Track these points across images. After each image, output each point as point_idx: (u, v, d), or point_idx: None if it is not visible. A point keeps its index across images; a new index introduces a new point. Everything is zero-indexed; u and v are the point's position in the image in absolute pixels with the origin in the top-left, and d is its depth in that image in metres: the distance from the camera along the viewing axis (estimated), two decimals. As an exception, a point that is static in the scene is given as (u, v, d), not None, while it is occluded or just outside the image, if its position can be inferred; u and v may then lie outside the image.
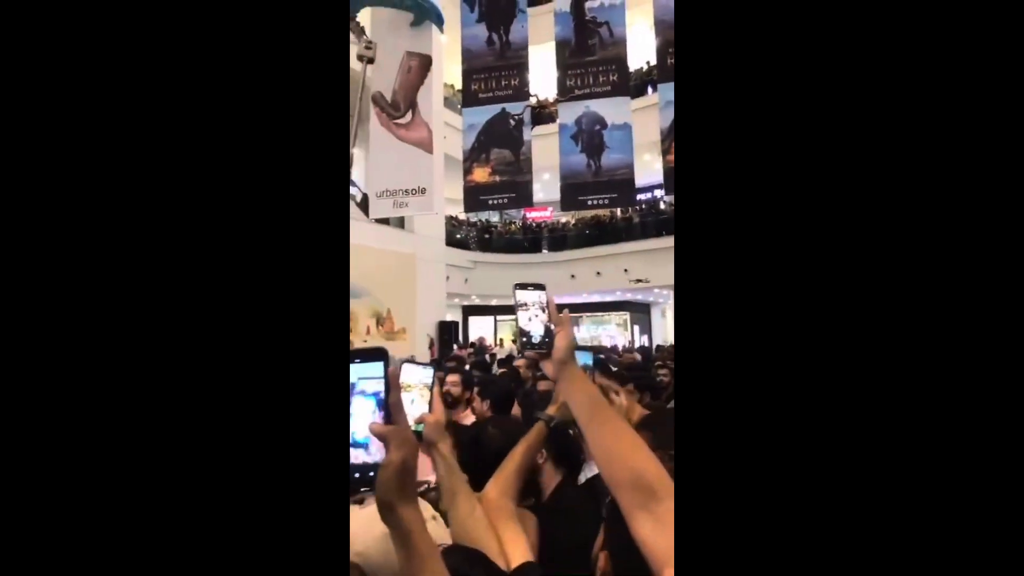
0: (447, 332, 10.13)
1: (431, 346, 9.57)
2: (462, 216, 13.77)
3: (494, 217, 14.94)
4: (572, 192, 3.96)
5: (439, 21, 4.69)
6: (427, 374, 0.81)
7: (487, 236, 14.04)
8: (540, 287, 0.75)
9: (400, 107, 4.36)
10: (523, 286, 0.76)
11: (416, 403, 0.79)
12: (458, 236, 12.88)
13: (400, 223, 10.08)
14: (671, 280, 11.94)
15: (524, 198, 4.12)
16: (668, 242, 11.90)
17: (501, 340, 13.17)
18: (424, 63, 4.52)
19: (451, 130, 8.79)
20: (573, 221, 13.90)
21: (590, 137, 3.95)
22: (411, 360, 0.85)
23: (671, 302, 13.72)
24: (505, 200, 4.20)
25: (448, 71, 9.23)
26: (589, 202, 3.95)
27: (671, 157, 4.03)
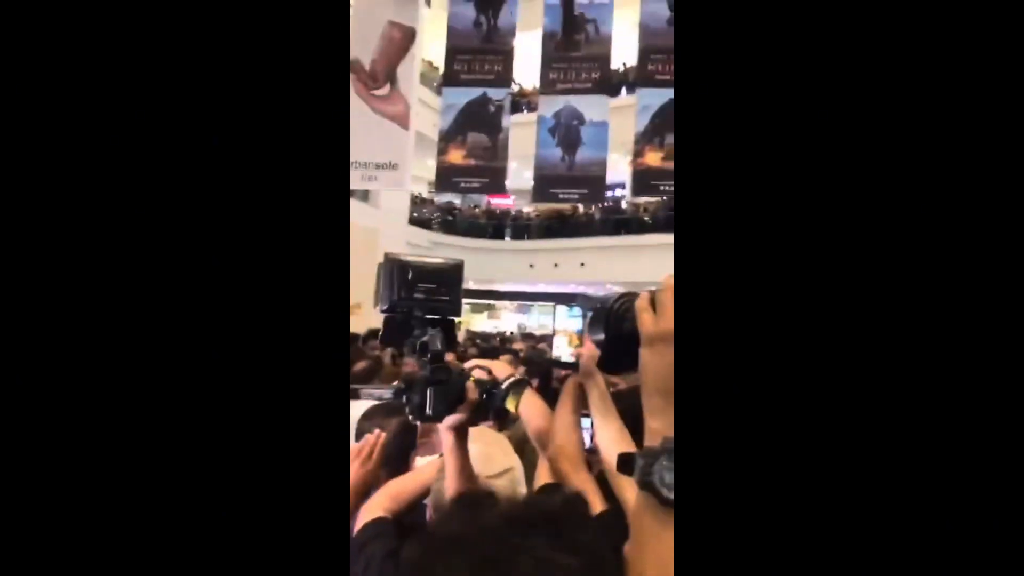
0: (402, 311, 10.03)
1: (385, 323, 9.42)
2: (426, 195, 13.55)
3: (457, 199, 14.80)
4: (545, 184, 4.03)
5: (426, -6, 4.58)
6: (576, 321, 1.01)
7: (450, 218, 13.92)
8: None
9: (378, 78, 4.24)
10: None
11: (564, 343, 1.01)
12: (415, 215, 12.68)
13: (364, 196, 9.81)
14: (622, 277, 12.35)
15: (497, 184, 4.15)
16: (625, 240, 12.26)
17: (459, 323, 13.18)
18: (408, 35, 4.40)
19: (423, 107, 8.61)
20: (535, 212, 14.02)
21: (567, 131, 4.02)
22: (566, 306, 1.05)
23: (623, 299, 14.14)
24: (477, 184, 4.21)
25: (426, 47, 8.99)
26: (561, 195, 4.03)
27: (641, 160, 4.17)
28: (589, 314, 0.87)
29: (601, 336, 0.54)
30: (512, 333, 10.45)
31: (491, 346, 3.37)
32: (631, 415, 0.84)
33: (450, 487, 0.79)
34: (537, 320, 16.05)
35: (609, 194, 13.15)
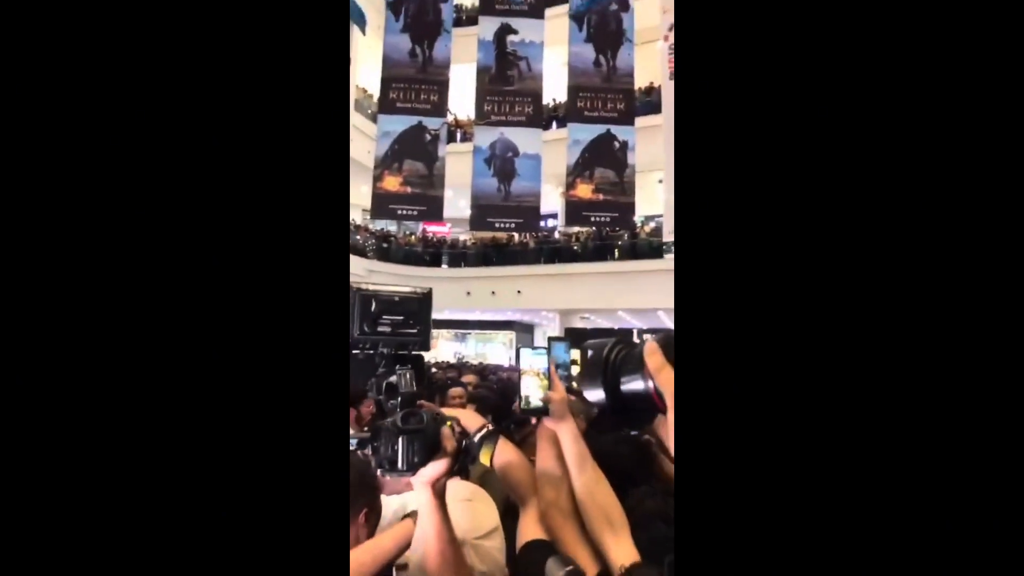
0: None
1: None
2: (359, 222, 13.27)
3: (392, 226, 14.62)
4: (482, 213, 4.09)
5: (361, 22, 4.59)
6: (542, 360, 0.85)
7: (385, 245, 13.67)
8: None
9: (310, 102, 4.17)
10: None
11: (533, 386, 0.84)
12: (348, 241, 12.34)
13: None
14: (557, 304, 12.64)
15: (435, 212, 4.15)
16: (558, 269, 12.62)
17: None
18: (340, 62, 4.38)
19: (358, 133, 8.52)
20: (471, 240, 14.12)
21: (503, 163, 4.13)
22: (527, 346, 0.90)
23: (556, 323, 14.48)
24: (415, 212, 4.19)
25: (359, 74, 8.97)
26: (497, 224, 4.11)
27: (573, 192, 4.36)
28: (584, 354, 0.81)
29: (601, 394, 0.46)
30: (451, 362, 10.34)
31: (444, 382, 3.28)
32: (602, 459, 0.82)
33: (428, 549, 0.68)
34: (474, 348, 15.95)
35: (543, 224, 13.54)
